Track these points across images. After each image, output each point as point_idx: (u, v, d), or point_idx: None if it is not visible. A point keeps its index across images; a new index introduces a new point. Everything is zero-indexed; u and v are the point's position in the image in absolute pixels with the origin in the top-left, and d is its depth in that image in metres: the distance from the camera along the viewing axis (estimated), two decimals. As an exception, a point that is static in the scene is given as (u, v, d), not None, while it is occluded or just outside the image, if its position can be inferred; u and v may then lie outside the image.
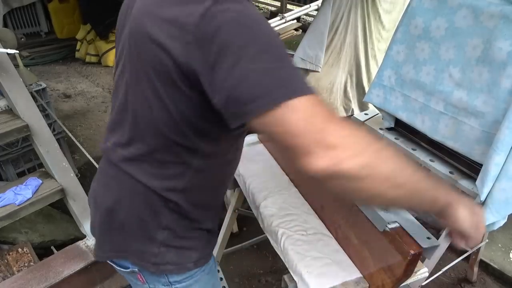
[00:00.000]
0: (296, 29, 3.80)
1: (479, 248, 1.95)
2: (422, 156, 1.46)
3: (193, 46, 0.61)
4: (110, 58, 4.65)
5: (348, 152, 0.57)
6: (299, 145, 0.58)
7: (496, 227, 1.26)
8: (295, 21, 3.89)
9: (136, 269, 0.90)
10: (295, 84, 0.60)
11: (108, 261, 0.95)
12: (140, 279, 0.91)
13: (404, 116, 1.44)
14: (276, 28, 3.61)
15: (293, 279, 1.04)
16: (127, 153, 0.82)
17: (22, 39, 4.73)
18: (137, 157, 0.80)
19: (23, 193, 1.80)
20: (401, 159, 0.64)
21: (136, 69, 0.74)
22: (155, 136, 0.76)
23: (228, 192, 2.24)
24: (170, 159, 0.78)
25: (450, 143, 1.31)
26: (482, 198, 1.17)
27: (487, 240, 1.94)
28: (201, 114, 0.70)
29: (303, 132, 0.58)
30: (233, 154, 0.89)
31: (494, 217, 1.21)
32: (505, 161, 1.13)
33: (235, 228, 2.39)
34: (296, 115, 0.58)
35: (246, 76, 0.59)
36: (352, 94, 2.88)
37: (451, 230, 0.81)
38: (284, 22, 3.72)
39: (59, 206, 2.24)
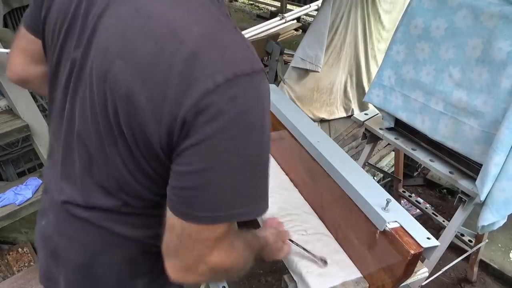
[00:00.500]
0: (296, 29, 3.80)
1: (479, 248, 1.95)
2: (422, 156, 1.46)
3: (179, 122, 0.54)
4: (110, 58, 4.64)
5: (211, 274, 0.63)
6: (182, 255, 0.60)
7: (496, 227, 1.26)
8: (295, 21, 3.88)
9: None
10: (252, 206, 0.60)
11: None
12: None
13: (404, 116, 1.44)
14: (276, 28, 3.60)
15: (293, 279, 1.04)
16: (97, 208, 0.71)
17: (22, 39, 4.75)
18: (112, 211, 0.71)
19: (23, 193, 1.80)
20: (245, 262, 0.73)
21: (108, 126, 0.62)
22: (130, 194, 0.68)
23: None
24: (150, 211, 0.72)
25: (450, 143, 1.31)
26: (482, 198, 1.17)
27: (487, 240, 1.94)
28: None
29: (196, 252, 0.60)
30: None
31: (494, 217, 1.21)
32: (505, 161, 1.13)
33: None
34: (201, 238, 0.59)
35: (214, 184, 0.55)
36: (352, 94, 2.88)
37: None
38: (284, 22, 3.72)
39: (59, 206, 2.24)
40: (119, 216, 0.71)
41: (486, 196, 1.19)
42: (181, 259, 0.61)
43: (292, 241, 1.06)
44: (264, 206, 0.61)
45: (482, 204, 1.22)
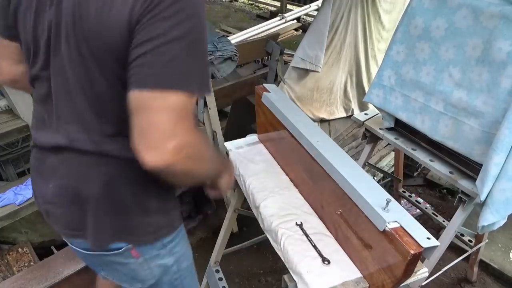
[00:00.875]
0: (296, 29, 3.80)
1: (479, 248, 1.95)
2: (422, 156, 1.46)
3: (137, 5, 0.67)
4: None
5: (179, 160, 0.69)
6: (151, 136, 0.67)
7: (496, 227, 1.26)
8: (295, 21, 3.89)
9: (130, 245, 0.93)
10: (196, 79, 0.70)
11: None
12: (134, 254, 0.94)
13: (404, 116, 1.44)
14: (276, 28, 3.61)
15: (293, 279, 1.04)
16: (102, 136, 0.82)
17: (22, 39, 4.75)
18: (113, 136, 0.81)
19: (23, 193, 1.80)
20: (211, 160, 0.87)
21: (79, 53, 0.74)
22: (119, 109, 0.76)
23: (228, 192, 2.24)
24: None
25: (450, 143, 1.31)
26: (482, 198, 1.17)
27: (487, 240, 1.94)
28: None
29: (163, 127, 0.67)
30: None
31: (494, 217, 1.21)
32: (505, 161, 1.13)
33: (235, 228, 2.39)
34: (166, 109, 0.67)
35: (160, 52, 0.66)
36: (352, 94, 2.88)
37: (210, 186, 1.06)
38: (284, 22, 3.72)
39: (59, 206, 2.24)
40: (119, 141, 0.81)
41: (486, 196, 1.19)
42: (148, 137, 0.67)
43: (302, 228, 1.08)
44: (205, 85, 0.71)
45: (482, 204, 1.22)
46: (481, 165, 1.24)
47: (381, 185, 1.20)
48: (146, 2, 0.67)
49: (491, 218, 1.21)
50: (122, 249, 0.93)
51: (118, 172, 0.86)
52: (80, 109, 0.80)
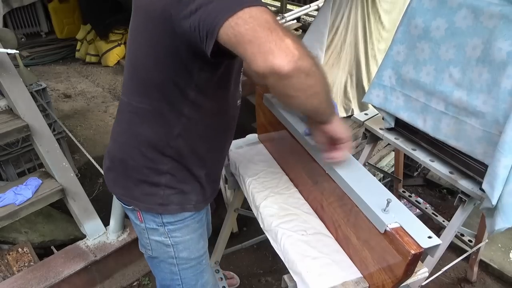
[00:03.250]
0: (296, 29, 3.80)
1: (479, 248, 1.95)
2: (422, 156, 1.46)
3: None
4: (110, 58, 4.64)
5: (300, 54, 0.67)
6: (260, 47, 0.66)
7: (502, 230, 1.24)
8: (295, 21, 3.88)
9: (137, 208, 1.07)
10: None
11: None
12: (139, 217, 1.08)
13: (405, 116, 1.44)
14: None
15: (293, 279, 1.04)
16: (132, 107, 0.97)
17: (22, 39, 4.74)
18: (139, 109, 0.95)
19: (23, 193, 1.79)
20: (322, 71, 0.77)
21: (136, 21, 0.89)
22: (149, 84, 0.91)
23: (228, 192, 2.24)
24: (165, 107, 0.92)
25: (452, 142, 1.31)
26: (494, 202, 1.15)
27: (487, 240, 1.94)
28: (185, 60, 0.83)
29: (262, 35, 0.66)
30: (222, 107, 1.00)
31: (504, 222, 1.18)
32: None
33: (235, 228, 2.39)
34: (255, 21, 0.66)
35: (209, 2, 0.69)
36: (352, 94, 2.88)
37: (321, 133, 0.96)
38: (284, 22, 3.72)
39: (59, 206, 2.24)
40: (143, 115, 0.95)
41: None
42: (260, 44, 0.66)
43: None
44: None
45: (491, 208, 1.20)
46: (482, 164, 1.24)
47: (381, 185, 1.20)
48: None
49: (502, 222, 1.19)
50: (131, 207, 1.08)
51: (136, 145, 1.00)
52: (129, 74, 0.99)
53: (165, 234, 1.08)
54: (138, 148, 1.00)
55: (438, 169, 1.40)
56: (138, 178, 1.03)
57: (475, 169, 1.30)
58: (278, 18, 3.70)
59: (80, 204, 1.92)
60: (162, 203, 1.03)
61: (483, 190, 1.20)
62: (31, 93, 2.11)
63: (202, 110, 0.95)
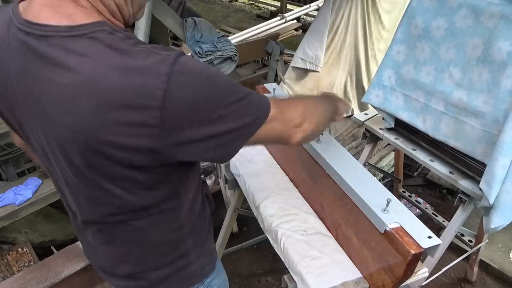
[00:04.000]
0: (296, 29, 3.80)
1: (479, 248, 1.95)
2: (422, 156, 1.46)
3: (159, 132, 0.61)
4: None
5: (306, 124, 0.84)
6: (283, 137, 0.81)
7: (499, 228, 1.25)
8: (295, 21, 3.88)
9: None
10: (259, 104, 0.73)
11: None
12: None
13: (405, 116, 1.44)
14: (276, 28, 3.61)
15: (293, 279, 1.04)
16: (128, 223, 0.83)
17: (22, 39, 4.75)
18: (139, 222, 0.83)
19: (23, 193, 1.80)
20: (318, 103, 0.96)
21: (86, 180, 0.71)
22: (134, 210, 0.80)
23: (228, 192, 2.24)
24: (165, 205, 0.83)
25: (452, 142, 1.31)
26: (491, 201, 1.16)
27: (487, 240, 1.94)
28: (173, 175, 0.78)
29: (282, 130, 0.80)
30: (197, 178, 0.96)
31: (501, 220, 1.19)
32: (511, 163, 1.12)
33: (235, 228, 2.38)
34: (274, 123, 0.75)
35: (224, 130, 0.66)
36: (352, 94, 2.88)
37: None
38: (284, 22, 3.72)
39: (59, 206, 2.24)
40: (144, 225, 0.84)
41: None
42: (284, 135, 0.81)
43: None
44: (266, 104, 0.75)
45: (488, 207, 1.21)
46: (482, 164, 1.24)
47: (381, 185, 1.20)
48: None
49: (498, 221, 1.19)
50: None
51: (146, 247, 0.90)
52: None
53: None
54: (155, 253, 0.91)
55: (438, 169, 1.40)
56: (169, 273, 0.94)
57: (475, 169, 1.30)
58: (278, 18, 3.71)
59: (80, 204, 1.92)
60: (200, 274, 1.00)
61: (481, 189, 1.20)
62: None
63: (186, 194, 0.89)
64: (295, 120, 0.82)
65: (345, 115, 1.21)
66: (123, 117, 0.58)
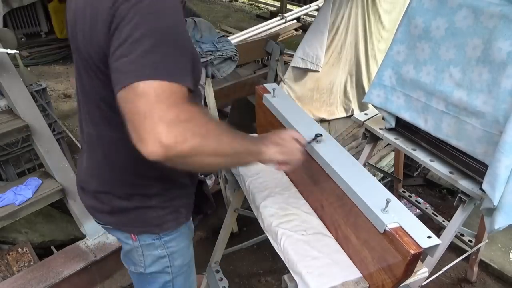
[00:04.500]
0: (296, 29, 3.79)
1: (479, 248, 1.95)
2: (422, 156, 1.46)
3: (108, 16, 0.72)
4: (110, 58, 4.64)
5: (176, 139, 0.66)
6: (135, 128, 0.67)
7: (500, 229, 1.25)
8: (295, 21, 3.88)
9: (131, 233, 1.04)
10: (162, 69, 0.68)
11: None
12: (132, 236, 1.04)
13: (407, 116, 1.44)
14: (276, 28, 3.60)
15: (293, 279, 1.04)
16: (104, 137, 0.93)
17: (22, 39, 4.74)
18: (113, 138, 0.90)
19: (23, 193, 1.80)
20: (222, 134, 0.78)
21: (80, 59, 0.86)
22: (114, 113, 0.79)
23: (228, 192, 2.24)
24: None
25: (453, 142, 1.30)
26: (495, 203, 1.15)
27: (487, 240, 1.94)
28: None
29: (140, 115, 0.66)
30: None
31: (505, 220, 1.19)
32: None
33: (235, 228, 2.38)
34: (142, 97, 0.66)
35: (129, 51, 0.69)
36: (352, 94, 2.88)
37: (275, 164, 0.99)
38: (284, 22, 3.72)
39: (59, 206, 2.24)
40: (117, 143, 0.90)
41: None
42: (137, 130, 0.66)
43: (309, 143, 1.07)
44: (186, 76, 0.72)
45: (491, 208, 1.20)
46: (482, 164, 1.24)
47: (381, 185, 1.20)
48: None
49: (503, 221, 1.19)
50: (124, 234, 1.05)
51: (119, 174, 0.97)
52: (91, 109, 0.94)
53: (162, 246, 1.07)
54: (121, 178, 0.97)
55: (438, 169, 1.40)
56: (127, 207, 1.00)
57: (475, 169, 1.30)
58: (278, 18, 3.71)
59: (80, 204, 1.92)
60: (157, 224, 1.03)
61: (483, 190, 1.20)
62: (31, 93, 2.11)
63: None
64: (162, 125, 0.65)
65: (274, 166, 1.02)
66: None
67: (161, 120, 0.65)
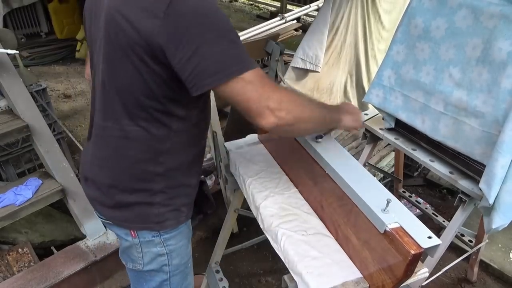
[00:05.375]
0: (296, 29, 3.79)
1: (479, 248, 1.95)
2: (422, 156, 1.46)
3: (161, 29, 0.79)
4: (110, 58, 4.63)
5: (284, 112, 0.84)
6: (253, 109, 0.83)
7: (500, 228, 1.25)
8: (295, 21, 3.88)
9: (131, 229, 1.07)
10: (245, 61, 0.82)
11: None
12: (132, 233, 1.07)
13: (404, 116, 1.44)
14: (276, 28, 3.60)
15: (293, 279, 1.04)
16: (118, 130, 0.97)
17: (22, 40, 4.74)
18: (128, 132, 0.96)
19: (23, 193, 1.80)
20: (311, 103, 0.97)
21: (115, 50, 0.88)
22: (137, 107, 0.92)
23: (228, 192, 2.24)
24: (154, 127, 0.95)
25: (450, 143, 1.31)
26: (491, 201, 1.16)
27: (487, 240, 1.94)
28: (169, 84, 0.89)
29: (254, 99, 0.82)
30: (205, 113, 1.08)
31: (502, 220, 1.19)
32: (511, 163, 1.12)
33: (235, 228, 2.39)
34: (249, 86, 0.81)
35: (207, 56, 0.79)
36: (352, 94, 2.88)
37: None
38: (284, 22, 3.71)
39: (59, 206, 2.24)
40: (131, 135, 0.96)
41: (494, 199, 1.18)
42: (253, 110, 0.83)
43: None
44: (249, 62, 0.83)
45: (488, 207, 1.21)
46: (482, 164, 1.24)
47: (381, 185, 1.20)
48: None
49: (499, 221, 1.19)
50: (124, 230, 1.08)
51: (127, 168, 1.00)
52: (108, 99, 0.98)
53: (161, 244, 1.09)
54: (128, 172, 1.01)
55: (438, 169, 1.40)
56: (130, 202, 1.03)
57: (475, 169, 1.30)
58: (278, 18, 3.71)
59: (80, 204, 1.92)
60: (158, 221, 1.05)
61: (481, 189, 1.20)
62: (31, 93, 2.11)
63: (188, 123, 0.99)
64: (272, 101, 0.83)
65: (357, 129, 1.20)
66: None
67: (270, 99, 0.83)
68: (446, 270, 1.80)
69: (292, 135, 1.09)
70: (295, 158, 1.29)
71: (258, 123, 0.84)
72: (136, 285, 1.21)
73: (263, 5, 7.41)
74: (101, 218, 1.12)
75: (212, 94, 2.18)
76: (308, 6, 4.17)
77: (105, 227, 2.00)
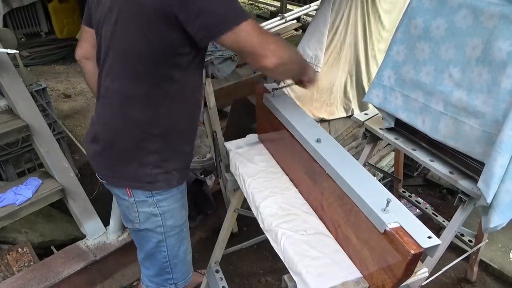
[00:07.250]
0: (296, 29, 3.80)
1: (479, 248, 1.95)
2: (422, 156, 1.46)
3: None
4: (110, 58, 4.63)
5: (281, 52, 1.00)
6: (257, 52, 0.97)
7: (498, 228, 1.25)
8: (295, 21, 3.88)
9: (126, 187, 1.18)
10: (243, 12, 0.95)
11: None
12: (128, 192, 1.18)
13: (404, 116, 1.44)
14: (276, 28, 3.61)
15: (293, 279, 1.04)
16: (122, 92, 1.07)
17: (22, 39, 4.74)
18: (130, 94, 1.07)
19: (23, 193, 1.79)
20: (293, 48, 1.19)
21: (126, 17, 0.98)
22: (140, 71, 1.03)
23: (228, 192, 2.24)
24: (154, 91, 1.06)
25: (451, 143, 1.31)
26: (489, 200, 1.16)
27: (487, 240, 1.94)
28: (173, 47, 1.00)
29: (258, 44, 0.97)
30: (198, 84, 1.19)
31: (500, 219, 1.19)
32: (509, 162, 1.12)
33: (235, 228, 2.38)
34: (251, 32, 0.95)
35: (213, 11, 0.92)
36: (352, 94, 2.88)
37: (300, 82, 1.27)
38: (284, 22, 3.72)
39: (59, 206, 2.24)
40: (132, 98, 1.08)
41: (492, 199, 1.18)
42: (258, 54, 0.98)
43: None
44: (246, 13, 0.96)
45: (487, 206, 1.21)
46: (482, 164, 1.24)
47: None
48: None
49: (497, 220, 1.20)
50: (121, 188, 1.19)
51: (126, 127, 1.11)
52: (114, 63, 1.09)
53: (154, 205, 1.20)
54: (128, 130, 1.11)
55: (438, 169, 1.40)
56: (127, 159, 1.14)
57: (475, 169, 1.30)
58: (278, 18, 3.71)
59: (80, 204, 1.92)
60: (150, 181, 1.16)
61: (479, 188, 1.20)
62: (31, 93, 2.11)
63: (184, 89, 1.11)
64: (272, 44, 0.97)
65: (313, 82, 1.29)
66: None
67: (270, 42, 0.98)
68: (446, 270, 1.80)
69: (285, 76, 1.21)
70: (295, 157, 1.29)
71: (263, 64, 0.97)
72: (138, 244, 1.35)
73: (263, 5, 7.41)
74: (102, 180, 1.23)
75: (211, 91, 2.18)
76: (308, 6, 4.18)
77: (105, 227, 2.00)
